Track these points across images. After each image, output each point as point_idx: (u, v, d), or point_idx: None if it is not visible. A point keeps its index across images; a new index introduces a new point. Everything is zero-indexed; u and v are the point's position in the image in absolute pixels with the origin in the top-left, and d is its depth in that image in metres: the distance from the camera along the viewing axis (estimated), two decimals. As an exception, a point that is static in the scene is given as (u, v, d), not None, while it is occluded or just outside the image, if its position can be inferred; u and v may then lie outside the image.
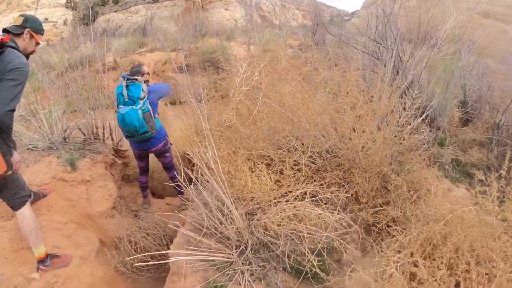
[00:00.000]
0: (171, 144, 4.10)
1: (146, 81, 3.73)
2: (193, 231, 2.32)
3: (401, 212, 2.33)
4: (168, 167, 4.10)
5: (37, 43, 2.69)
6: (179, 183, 3.95)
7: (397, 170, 2.75)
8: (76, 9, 36.32)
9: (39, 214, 3.05)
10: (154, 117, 3.74)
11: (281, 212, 2.09)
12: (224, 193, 2.10)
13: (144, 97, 3.55)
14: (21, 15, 2.65)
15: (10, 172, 2.50)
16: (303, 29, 17.65)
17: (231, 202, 2.10)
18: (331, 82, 2.89)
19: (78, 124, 4.27)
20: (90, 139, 4.21)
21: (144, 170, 4.15)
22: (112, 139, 4.57)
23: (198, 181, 2.31)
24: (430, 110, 3.76)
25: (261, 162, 2.40)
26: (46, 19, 34.37)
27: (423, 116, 3.52)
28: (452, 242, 1.87)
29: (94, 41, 9.93)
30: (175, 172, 4.10)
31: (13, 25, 2.60)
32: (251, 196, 2.23)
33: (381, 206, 2.46)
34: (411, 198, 2.36)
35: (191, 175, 2.29)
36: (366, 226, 2.44)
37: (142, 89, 3.55)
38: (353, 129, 2.64)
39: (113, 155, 4.18)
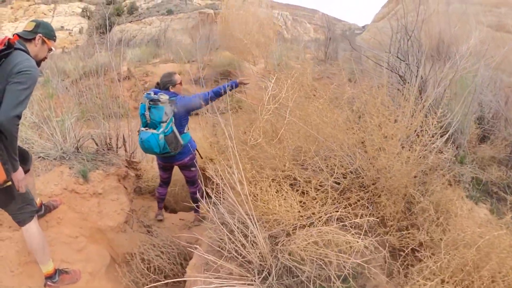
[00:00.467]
0: (201, 157, 3.98)
1: (173, 94, 3.58)
2: (211, 253, 2.18)
3: (428, 235, 2.22)
4: (191, 181, 3.95)
5: (50, 49, 2.58)
6: (198, 199, 3.93)
7: (421, 191, 2.63)
8: (91, 19, 36.96)
9: (48, 226, 2.95)
10: (183, 132, 3.62)
11: (309, 238, 1.96)
12: (248, 216, 1.97)
13: (167, 120, 3.40)
14: (32, 21, 2.54)
15: (9, 183, 2.29)
16: (315, 43, 17.66)
17: (256, 225, 1.96)
18: (358, 100, 2.78)
19: (91, 134, 4.19)
20: (103, 149, 4.12)
21: (166, 182, 4.05)
22: (126, 150, 4.48)
23: (218, 201, 2.18)
24: (453, 129, 3.63)
25: (286, 183, 2.27)
26: (62, 27, 35.04)
27: (447, 135, 3.40)
28: (488, 269, 1.79)
29: (110, 50, 9.98)
30: (197, 188, 3.96)
31: (24, 30, 2.48)
32: (276, 218, 2.10)
33: (406, 229, 2.36)
34: (437, 221, 2.26)
35: (211, 194, 2.16)
36: (392, 249, 2.32)
37: (165, 113, 3.38)
38: (381, 149, 2.53)
39: (126, 166, 4.08)
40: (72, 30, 34.94)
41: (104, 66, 7.26)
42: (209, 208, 2.24)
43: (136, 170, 4.38)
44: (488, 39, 5.15)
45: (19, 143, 2.42)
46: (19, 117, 2.15)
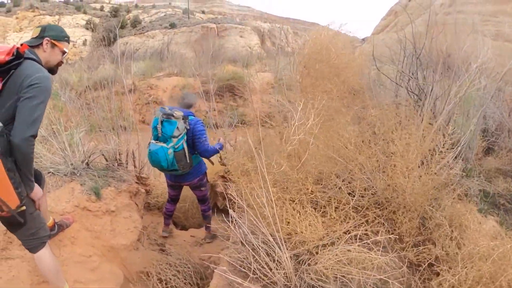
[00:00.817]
0: (212, 164, 4.02)
1: (191, 113, 3.60)
2: (232, 273, 2.14)
3: (443, 250, 2.25)
4: (202, 200, 3.93)
5: (63, 52, 2.30)
6: (209, 217, 3.92)
7: (434, 206, 2.65)
8: (95, 31, 37.29)
9: (61, 245, 2.88)
10: (194, 153, 3.60)
11: (334, 257, 1.94)
12: (274, 237, 1.94)
13: (179, 135, 3.38)
14: (38, 26, 2.28)
15: (23, 208, 2.07)
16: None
17: (283, 245, 1.93)
18: (378, 121, 2.79)
19: (101, 150, 4.15)
20: (113, 165, 4.08)
21: (174, 199, 3.99)
22: (135, 166, 4.44)
23: (241, 221, 2.15)
24: (463, 145, 3.63)
25: (308, 204, 2.25)
26: (66, 39, 35.30)
27: (458, 151, 3.40)
28: (506, 281, 1.86)
29: (116, 62, 10.04)
30: (209, 205, 3.96)
31: (31, 38, 2.24)
32: (300, 239, 2.07)
33: (422, 244, 2.40)
34: (451, 235, 2.30)
35: (236, 218, 2.12)
36: (409, 264, 2.34)
37: (177, 128, 3.36)
38: (400, 171, 2.54)
39: (136, 182, 4.04)
40: (76, 42, 35.23)
41: (109, 79, 7.30)
42: (231, 227, 2.20)
43: (145, 186, 4.34)
44: (500, 56, 5.16)
45: None
46: (34, 136, 1.98)
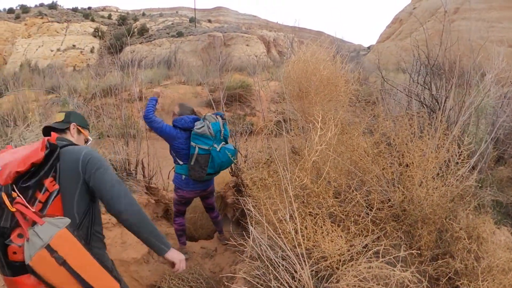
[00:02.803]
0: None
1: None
2: (249, 292, 2.08)
3: (462, 263, 2.18)
4: (212, 208, 3.91)
5: (86, 140, 2.21)
6: (221, 222, 3.97)
7: (452, 219, 2.57)
8: (103, 38, 37.65)
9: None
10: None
11: (358, 273, 1.88)
12: (295, 253, 1.88)
13: None
14: (60, 112, 2.19)
15: None
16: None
17: (305, 262, 1.86)
18: (393, 132, 2.73)
19: (110, 159, 4.10)
20: (123, 175, 4.04)
21: (182, 212, 3.82)
22: (144, 176, 4.39)
23: (260, 238, 2.08)
24: (478, 155, 3.56)
25: (328, 219, 2.19)
26: (74, 45, 35.74)
27: (473, 162, 3.32)
28: None
29: (124, 70, 10.06)
30: (218, 211, 3.99)
31: (55, 122, 2.11)
32: (322, 255, 2.01)
33: (441, 258, 2.34)
34: (469, 247, 2.22)
35: (255, 233, 2.06)
36: (428, 279, 2.25)
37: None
38: (418, 183, 2.49)
39: (145, 193, 3.98)
40: (83, 49, 35.59)
41: (118, 87, 7.30)
42: (249, 242, 2.13)
43: (155, 196, 4.28)
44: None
45: None
46: (129, 194, 1.81)
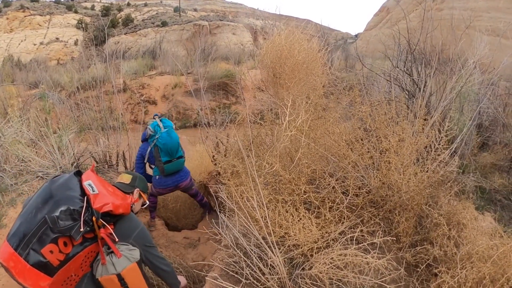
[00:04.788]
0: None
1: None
2: (225, 278, 2.07)
3: (441, 250, 2.20)
4: (195, 194, 4.12)
5: (143, 204, 2.39)
6: (207, 203, 4.16)
7: (432, 205, 2.59)
8: (86, 30, 36.95)
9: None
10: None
11: (330, 261, 1.87)
12: (266, 240, 1.87)
13: None
14: (127, 173, 2.37)
15: None
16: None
17: (275, 249, 1.86)
18: (370, 117, 2.72)
19: (91, 151, 4.05)
20: (104, 167, 3.99)
21: (156, 196, 4.02)
22: (125, 167, 4.35)
23: (231, 224, 2.07)
24: (459, 141, 3.58)
25: (301, 206, 2.17)
26: (57, 38, 35.00)
27: (454, 148, 3.34)
28: (508, 282, 1.84)
29: (106, 62, 9.89)
30: (202, 195, 4.20)
31: (119, 182, 2.29)
32: (294, 242, 2.00)
33: (419, 244, 2.36)
34: (449, 234, 2.25)
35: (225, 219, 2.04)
36: (406, 265, 2.27)
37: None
38: (395, 168, 2.47)
39: (126, 184, 3.94)
40: (67, 42, 34.88)
41: (99, 79, 7.18)
42: (222, 230, 2.12)
43: (136, 188, 4.24)
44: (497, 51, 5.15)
45: None
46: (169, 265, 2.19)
